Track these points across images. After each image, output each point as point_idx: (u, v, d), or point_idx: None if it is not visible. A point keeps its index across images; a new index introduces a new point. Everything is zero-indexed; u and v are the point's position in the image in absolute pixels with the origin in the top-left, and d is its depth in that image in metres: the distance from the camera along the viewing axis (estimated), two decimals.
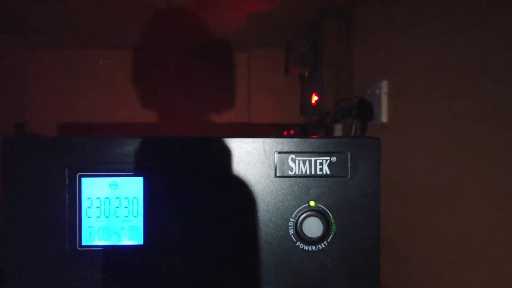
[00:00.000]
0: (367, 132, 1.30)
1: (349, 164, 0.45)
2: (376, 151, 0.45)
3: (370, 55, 1.35)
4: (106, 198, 0.44)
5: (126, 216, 0.44)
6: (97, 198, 0.44)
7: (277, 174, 0.45)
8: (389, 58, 1.20)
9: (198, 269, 0.45)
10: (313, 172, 0.45)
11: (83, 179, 0.43)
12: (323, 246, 0.45)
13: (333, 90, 1.46)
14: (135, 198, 0.44)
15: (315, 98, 1.51)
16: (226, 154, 0.44)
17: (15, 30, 1.62)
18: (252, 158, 0.45)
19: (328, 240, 0.46)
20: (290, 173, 0.45)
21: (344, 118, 1.42)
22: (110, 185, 0.44)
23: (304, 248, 0.45)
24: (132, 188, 0.44)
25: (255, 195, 0.45)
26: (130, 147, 0.44)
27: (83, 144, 0.43)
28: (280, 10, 1.42)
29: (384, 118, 1.21)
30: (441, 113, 0.89)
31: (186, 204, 0.44)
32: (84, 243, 0.44)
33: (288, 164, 0.45)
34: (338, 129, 1.44)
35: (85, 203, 0.43)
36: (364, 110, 1.28)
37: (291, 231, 0.45)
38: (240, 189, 0.44)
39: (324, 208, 0.45)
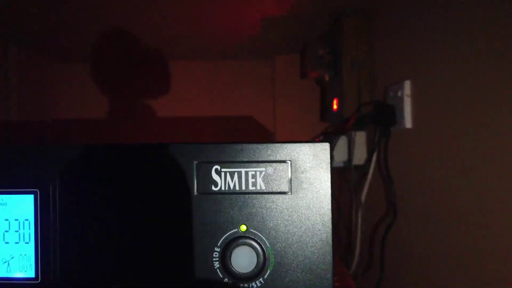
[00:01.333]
0: (390, 140, 1.15)
1: (290, 177, 0.35)
2: (325, 159, 0.34)
3: (392, 55, 1.21)
4: None
5: (16, 243, 0.36)
6: None
7: (198, 191, 0.35)
8: (412, 57, 1.06)
9: None
10: (243, 188, 0.35)
11: None
12: (258, 284, 0.35)
13: (354, 94, 1.33)
14: (26, 220, 0.36)
15: (336, 104, 1.39)
16: (133, 166, 0.35)
17: (41, 47, 1.65)
18: (166, 171, 0.35)
19: (265, 276, 0.35)
20: (214, 189, 0.35)
21: (367, 124, 1.29)
22: None
23: (234, 287, 0.35)
24: (23, 207, 0.36)
25: (171, 218, 0.35)
26: (21, 157, 0.36)
27: None
28: (295, 12, 1.32)
29: (408, 123, 1.06)
30: (472, 116, 0.75)
31: (86, 227, 0.36)
32: None
33: (211, 177, 0.35)
34: (360, 137, 1.30)
35: None
36: (386, 115, 1.14)
37: (217, 264, 0.35)
38: (152, 211, 0.35)
39: (259, 234, 0.35)
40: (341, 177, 1.40)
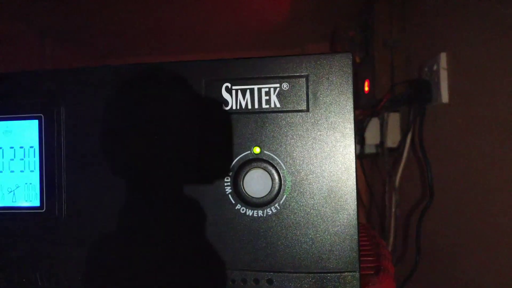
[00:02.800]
0: (425, 118, 1.09)
1: (307, 93, 0.31)
2: (347, 70, 0.31)
3: (426, 30, 1.15)
4: None
5: (21, 171, 0.34)
6: None
7: (208, 111, 0.32)
8: (446, 29, 1.00)
9: (107, 241, 0.33)
10: (256, 106, 0.32)
11: None
12: (273, 210, 0.31)
13: (387, 74, 1.27)
14: (31, 147, 0.34)
15: (367, 85, 1.34)
16: (139, 86, 0.33)
17: (75, 41, 1.69)
18: (174, 90, 0.33)
19: (280, 202, 0.31)
20: (225, 108, 0.32)
21: (401, 105, 1.23)
22: (3, 131, 0.35)
23: (247, 213, 0.32)
24: (28, 134, 0.34)
25: (178, 140, 0.32)
26: (25, 82, 0.34)
27: None
28: None
29: (445, 98, 1.00)
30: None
31: (93, 154, 0.34)
32: None
33: (221, 96, 0.32)
34: (393, 118, 1.24)
35: None
36: (421, 91, 1.08)
37: (228, 190, 0.32)
38: (159, 133, 0.33)
39: (273, 156, 0.32)
40: (373, 161, 1.35)
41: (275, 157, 0.32)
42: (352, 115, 0.31)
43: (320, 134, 0.31)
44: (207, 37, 1.64)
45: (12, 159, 0.35)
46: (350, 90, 0.31)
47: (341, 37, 1.39)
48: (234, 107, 0.32)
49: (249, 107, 0.32)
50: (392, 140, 1.25)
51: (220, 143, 0.32)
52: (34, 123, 0.34)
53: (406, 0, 1.27)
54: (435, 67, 1.05)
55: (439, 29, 1.07)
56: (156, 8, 1.32)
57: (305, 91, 0.31)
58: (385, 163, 1.22)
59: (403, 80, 1.23)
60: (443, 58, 1.02)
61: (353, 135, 0.30)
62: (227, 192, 0.32)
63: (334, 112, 0.31)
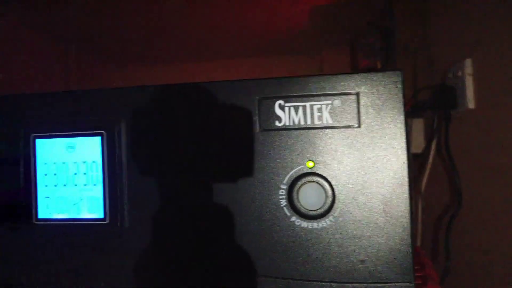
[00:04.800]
0: (450, 124, 1.09)
1: (358, 110, 0.33)
2: (398, 87, 0.32)
3: (450, 34, 1.15)
4: (63, 163, 0.37)
5: (85, 185, 0.37)
6: (54, 163, 0.37)
7: (262, 127, 0.34)
8: (471, 34, 1.00)
9: (166, 251, 0.35)
10: (309, 123, 0.33)
11: (38, 141, 0.37)
12: (328, 222, 0.33)
13: (409, 79, 1.28)
14: (94, 162, 0.36)
15: None
16: (195, 105, 0.35)
17: (96, 49, 1.73)
18: (228, 108, 0.35)
19: (335, 214, 0.33)
20: (278, 124, 0.34)
21: (425, 110, 1.23)
22: (67, 147, 0.37)
23: (302, 225, 0.33)
24: (90, 149, 0.36)
25: (235, 155, 0.34)
26: (88, 100, 0.37)
27: (36, 100, 0.37)
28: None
29: (471, 104, 1.00)
30: None
31: (152, 167, 0.36)
32: (40, 216, 0.37)
33: (274, 112, 0.34)
34: (417, 124, 1.24)
35: (41, 170, 0.37)
36: (446, 98, 1.08)
37: (283, 203, 0.34)
38: (215, 150, 0.34)
39: (327, 170, 0.33)
40: None
41: (328, 171, 0.33)
42: (404, 130, 0.32)
43: (372, 149, 0.32)
44: (225, 44, 1.66)
45: (75, 174, 0.37)
46: (401, 106, 0.32)
47: (360, 43, 1.40)
48: (287, 123, 0.34)
49: (302, 123, 0.33)
50: (416, 146, 1.25)
51: (274, 158, 0.34)
52: (97, 139, 0.36)
53: (428, 5, 1.27)
54: (459, 73, 1.05)
55: (464, 35, 1.07)
56: (174, 15, 1.35)
57: (356, 108, 0.33)
58: (410, 169, 1.22)
59: (426, 86, 1.24)
60: (468, 64, 1.02)
61: (405, 150, 0.32)
62: (282, 205, 0.34)
63: (385, 127, 0.32)
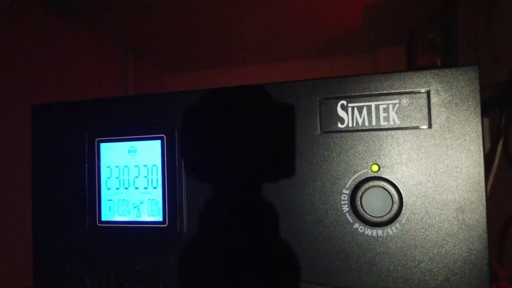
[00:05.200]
0: None
1: (429, 109, 0.30)
2: (474, 85, 0.29)
3: None
4: (125, 166, 0.38)
5: (145, 188, 0.37)
6: (116, 166, 0.38)
7: (323, 129, 0.33)
8: None
9: (224, 255, 0.35)
10: (374, 124, 0.32)
11: (102, 145, 0.38)
12: (394, 230, 0.31)
13: None
14: (154, 165, 0.37)
15: None
16: (254, 106, 0.34)
17: (153, 55, 1.79)
18: (289, 109, 0.34)
19: (402, 221, 0.31)
20: (341, 126, 0.32)
21: (490, 109, 1.15)
22: (129, 151, 0.38)
23: (366, 232, 0.31)
24: (151, 153, 0.37)
25: (294, 158, 0.33)
26: (148, 104, 0.37)
27: (100, 105, 0.38)
28: None
29: None
30: None
31: (209, 171, 0.35)
32: (103, 218, 0.38)
33: (337, 113, 0.32)
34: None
35: (104, 173, 0.38)
36: None
37: (346, 208, 0.32)
38: (275, 151, 0.33)
39: (393, 174, 0.31)
40: None
41: (395, 175, 0.31)
42: (481, 131, 0.29)
43: (445, 151, 0.30)
44: (278, 44, 1.66)
45: (136, 177, 0.38)
46: (478, 104, 0.29)
47: (418, 40, 1.34)
48: (350, 125, 0.32)
49: (366, 124, 0.32)
50: None
51: (336, 161, 0.32)
52: (157, 143, 0.37)
53: None
54: None
55: None
56: (223, 21, 1.36)
57: (426, 107, 0.30)
58: (485, 170, 1.14)
59: (491, 83, 1.16)
60: None
61: (482, 152, 0.29)
62: (344, 211, 0.32)
63: (459, 128, 0.30)
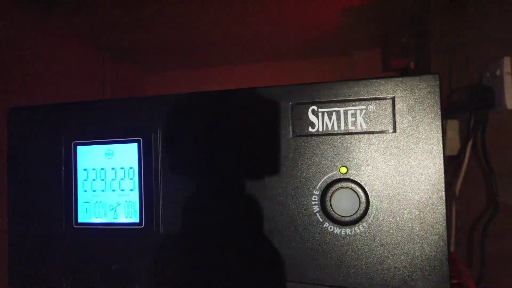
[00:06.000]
0: (488, 123, 1.05)
1: (394, 114, 0.32)
2: (434, 92, 0.31)
3: (487, 31, 1.11)
4: (102, 169, 0.38)
5: (122, 190, 0.38)
6: (93, 169, 0.38)
7: (295, 133, 0.34)
8: (511, 30, 0.96)
9: (199, 255, 0.36)
10: (343, 128, 0.33)
11: (79, 148, 0.39)
12: (361, 228, 0.33)
13: (444, 80, 1.24)
14: (131, 168, 0.37)
15: None
16: (228, 111, 0.35)
17: (134, 57, 1.78)
18: (261, 114, 0.35)
19: (369, 221, 0.33)
20: (311, 130, 0.34)
21: (460, 111, 1.19)
22: (105, 154, 0.38)
23: (335, 231, 0.33)
24: (128, 156, 0.38)
25: (267, 161, 0.34)
26: (125, 108, 0.38)
27: (77, 109, 0.39)
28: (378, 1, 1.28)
29: (509, 104, 0.96)
30: None
31: (187, 173, 0.36)
32: (80, 220, 0.39)
33: (308, 118, 0.34)
34: (452, 126, 1.21)
35: (81, 176, 0.39)
36: (483, 98, 1.05)
37: (316, 208, 0.34)
38: (249, 155, 0.35)
39: (360, 176, 0.33)
40: None
41: (362, 177, 0.33)
42: (441, 135, 0.31)
43: (408, 154, 0.32)
44: (258, 47, 1.67)
45: (113, 179, 0.38)
46: (438, 110, 0.31)
47: (393, 43, 1.37)
48: (320, 129, 0.34)
49: (336, 128, 0.33)
50: (451, 148, 1.22)
51: (307, 164, 0.34)
52: (134, 146, 0.37)
53: (464, 3, 1.24)
54: (498, 72, 1.01)
55: (502, 32, 1.03)
56: (201, 22, 1.36)
57: (391, 113, 0.32)
58: (445, 172, 1.18)
59: (462, 86, 1.20)
60: (507, 62, 0.98)
61: (442, 155, 0.31)
62: (314, 211, 0.34)
63: (421, 132, 0.32)
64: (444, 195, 0.31)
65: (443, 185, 0.31)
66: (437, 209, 0.31)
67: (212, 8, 1.30)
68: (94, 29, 1.40)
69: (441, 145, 0.31)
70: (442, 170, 0.31)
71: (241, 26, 1.42)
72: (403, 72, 1.44)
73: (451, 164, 1.20)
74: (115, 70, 1.69)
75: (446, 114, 1.20)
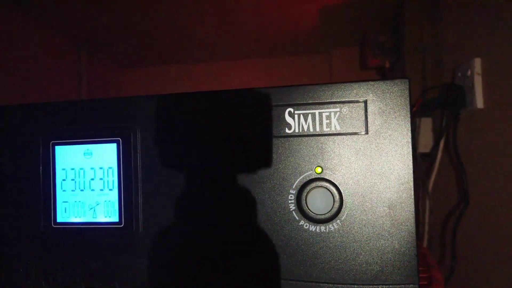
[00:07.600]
0: (459, 123, 1.09)
1: (366, 117, 0.34)
2: (404, 96, 0.33)
3: (460, 33, 1.15)
4: (81, 169, 0.38)
5: (101, 190, 0.38)
6: (72, 169, 0.39)
7: (273, 134, 0.35)
8: (482, 32, 1.00)
9: (178, 254, 0.37)
10: (318, 129, 0.34)
11: (57, 148, 0.39)
12: (335, 226, 0.34)
13: (418, 79, 1.28)
14: (110, 168, 0.38)
15: None
16: (208, 112, 0.36)
17: (107, 50, 1.76)
18: (240, 116, 0.36)
19: (342, 218, 0.34)
20: (288, 131, 0.35)
21: (433, 109, 1.23)
22: (84, 154, 0.38)
23: (310, 229, 0.34)
24: (107, 156, 0.38)
25: (245, 161, 0.35)
26: (104, 108, 0.38)
27: (55, 109, 0.39)
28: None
29: (479, 103, 1.00)
30: None
31: (166, 173, 0.37)
32: (59, 220, 0.39)
33: (285, 120, 0.35)
34: (425, 123, 1.24)
35: (59, 175, 0.39)
36: (455, 97, 1.08)
37: (292, 207, 0.35)
38: (227, 156, 0.36)
39: (334, 175, 0.34)
40: None
41: (336, 176, 0.34)
42: (410, 136, 0.33)
43: (379, 155, 0.33)
44: (235, 44, 1.67)
45: (92, 179, 0.38)
46: (408, 113, 0.33)
47: (371, 42, 1.40)
48: (297, 130, 0.35)
49: (311, 130, 0.35)
50: (425, 145, 1.25)
51: (284, 164, 0.35)
52: (113, 146, 0.38)
53: (437, 5, 1.27)
54: (469, 72, 1.05)
55: (473, 34, 1.07)
56: (180, 17, 1.36)
57: (364, 115, 0.34)
58: (418, 169, 1.22)
59: (435, 85, 1.24)
60: (477, 63, 1.02)
61: (411, 155, 0.33)
62: (291, 209, 0.35)
63: (392, 134, 0.33)
64: (413, 193, 0.33)
65: (412, 184, 0.33)
66: (407, 207, 0.33)
67: (188, 4, 1.30)
68: (70, 21, 1.38)
69: (411, 146, 0.33)
70: (411, 170, 0.33)
71: (219, 24, 1.43)
72: (379, 71, 1.47)
73: (424, 161, 1.24)
74: (91, 64, 1.67)
75: (420, 112, 1.24)
